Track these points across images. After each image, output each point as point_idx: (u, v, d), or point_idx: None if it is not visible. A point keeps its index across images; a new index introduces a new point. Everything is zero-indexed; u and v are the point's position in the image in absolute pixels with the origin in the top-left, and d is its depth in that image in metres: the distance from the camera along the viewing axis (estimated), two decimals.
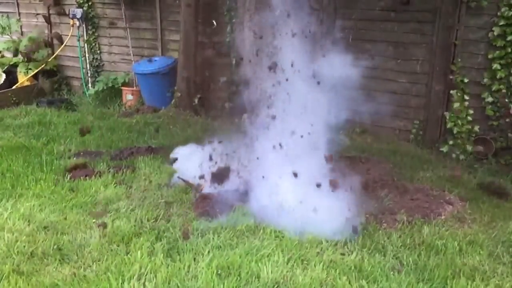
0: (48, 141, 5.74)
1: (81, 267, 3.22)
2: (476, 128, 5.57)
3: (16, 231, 3.61)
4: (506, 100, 5.42)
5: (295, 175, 3.92)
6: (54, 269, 3.19)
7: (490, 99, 5.51)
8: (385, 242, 3.62)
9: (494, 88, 5.46)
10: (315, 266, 3.26)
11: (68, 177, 4.65)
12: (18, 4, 8.82)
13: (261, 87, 4.17)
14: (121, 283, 3.02)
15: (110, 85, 7.81)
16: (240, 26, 4.41)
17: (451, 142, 5.64)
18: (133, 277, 3.06)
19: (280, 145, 4.04)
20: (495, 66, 5.41)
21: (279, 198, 3.89)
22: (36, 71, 8.06)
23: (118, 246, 3.48)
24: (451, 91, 5.65)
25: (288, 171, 3.94)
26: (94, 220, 3.84)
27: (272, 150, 4.04)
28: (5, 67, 8.18)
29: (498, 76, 5.41)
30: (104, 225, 3.74)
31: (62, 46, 8.29)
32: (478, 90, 5.59)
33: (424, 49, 5.83)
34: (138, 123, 6.69)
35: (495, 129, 5.57)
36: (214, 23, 4.21)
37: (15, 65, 8.23)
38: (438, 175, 4.99)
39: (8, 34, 8.25)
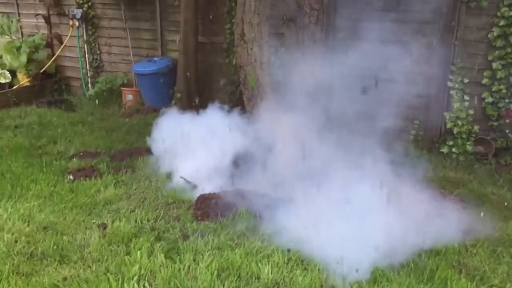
0: (48, 142, 5.74)
1: (81, 268, 3.21)
2: (476, 128, 5.57)
3: (16, 232, 3.60)
4: (506, 101, 5.42)
5: None
6: (53, 270, 3.19)
7: (490, 99, 5.51)
8: None
9: (494, 88, 5.46)
10: (315, 266, 3.25)
11: (68, 178, 4.65)
12: (18, 5, 8.81)
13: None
14: (121, 284, 3.01)
15: (109, 85, 7.80)
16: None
17: (451, 143, 5.64)
18: (133, 278, 3.06)
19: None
20: (495, 66, 5.41)
21: None
22: (36, 72, 8.05)
23: (118, 246, 3.47)
24: (451, 92, 5.65)
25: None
26: (94, 221, 3.84)
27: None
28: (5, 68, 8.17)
29: (498, 77, 5.41)
30: (104, 226, 3.74)
31: (62, 46, 8.28)
32: (478, 90, 5.59)
33: (424, 49, 5.81)
34: (138, 123, 6.69)
35: (495, 129, 5.57)
36: None
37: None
38: (438, 176, 4.98)
39: (8, 35, 8.23)
